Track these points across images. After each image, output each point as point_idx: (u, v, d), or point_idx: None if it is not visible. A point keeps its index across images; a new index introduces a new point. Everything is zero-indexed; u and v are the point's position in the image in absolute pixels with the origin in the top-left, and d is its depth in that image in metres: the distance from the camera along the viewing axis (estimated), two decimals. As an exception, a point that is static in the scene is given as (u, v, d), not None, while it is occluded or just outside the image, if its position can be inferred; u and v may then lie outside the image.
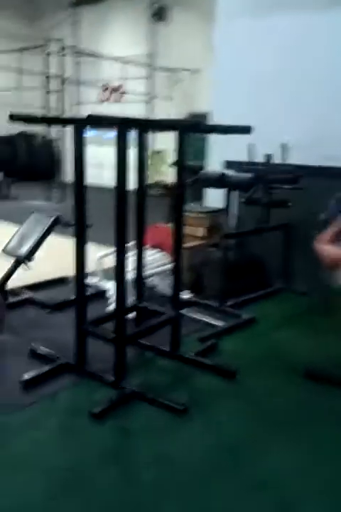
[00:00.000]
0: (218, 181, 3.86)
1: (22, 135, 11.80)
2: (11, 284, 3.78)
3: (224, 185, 3.84)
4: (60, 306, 3.85)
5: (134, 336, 2.99)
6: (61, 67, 9.64)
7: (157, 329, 3.07)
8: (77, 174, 2.82)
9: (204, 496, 2.04)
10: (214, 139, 5.20)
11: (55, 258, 4.69)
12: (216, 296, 4.06)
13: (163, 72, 11.41)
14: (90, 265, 3.16)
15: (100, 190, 7.00)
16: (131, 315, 3.25)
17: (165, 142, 9.64)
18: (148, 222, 3.36)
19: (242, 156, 4.46)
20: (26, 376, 2.79)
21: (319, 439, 2.47)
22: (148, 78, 12.06)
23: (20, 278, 3.88)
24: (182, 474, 2.16)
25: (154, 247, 4.91)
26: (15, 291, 4.08)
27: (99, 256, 4.27)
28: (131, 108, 11.81)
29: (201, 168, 5.17)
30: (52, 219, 3.77)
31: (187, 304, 4.05)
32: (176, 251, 3.18)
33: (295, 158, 4.37)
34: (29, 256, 3.57)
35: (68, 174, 13.32)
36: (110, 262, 3.90)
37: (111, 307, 3.58)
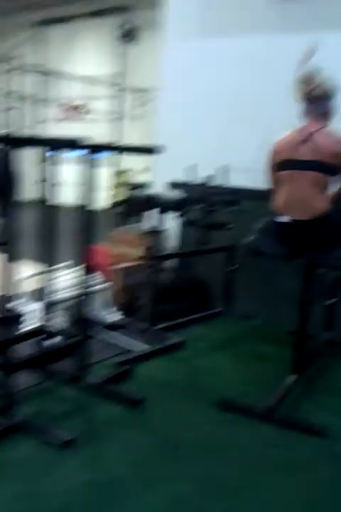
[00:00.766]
0: (147, 203, 3.69)
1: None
2: None
3: (152, 206, 3.67)
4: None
5: (26, 363, 2.76)
6: (20, 85, 9.56)
7: (57, 354, 2.86)
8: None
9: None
10: (157, 159, 5.08)
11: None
12: (147, 319, 3.87)
13: (132, 93, 11.37)
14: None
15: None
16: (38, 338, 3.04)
17: (134, 162, 9.50)
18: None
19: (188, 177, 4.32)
20: None
21: (211, 471, 2.25)
22: (116, 98, 12.02)
23: None
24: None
25: (94, 267, 4.73)
26: None
27: (24, 276, 4.07)
28: (96, 127, 11.79)
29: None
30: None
31: (114, 326, 3.86)
32: (86, 272, 2.97)
33: (241, 181, 4.22)
34: None
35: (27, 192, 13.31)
36: (37, 282, 3.74)
37: (23, 330, 3.37)
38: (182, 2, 4.80)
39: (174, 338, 3.67)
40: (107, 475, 2.19)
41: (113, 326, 3.88)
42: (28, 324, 3.54)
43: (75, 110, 11.44)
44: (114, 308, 4.21)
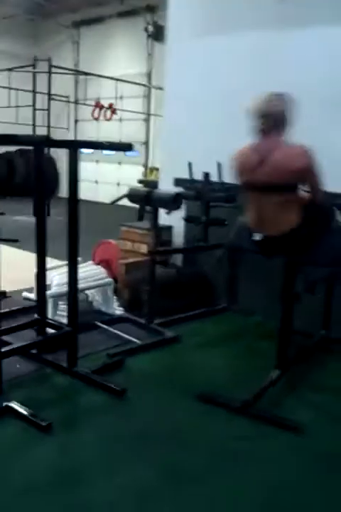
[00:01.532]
0: (144, 198, 3.79)
1: (20, 152, 12.00)
2: None
3: (149, 202, 3.77)
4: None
5: (16, 350, 2.93)
6: (48, 85, 9.84)
7: (47, 343, 3.01)
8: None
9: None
10: (164, 157, 5.17)
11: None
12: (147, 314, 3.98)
13: (161, 91, 11.48)
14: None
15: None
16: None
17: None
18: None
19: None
20: None
21: (179, 460, 2.34)
22: (145, 97, 12.15)
23: None
24: (8, 493, 2.09)
25: (102, 262, 4.89)
26: None
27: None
28: (127, 126, 11.97)
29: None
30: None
31: (115, 320, 3.99)
32: (71, 266, 3.10)
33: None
34: None
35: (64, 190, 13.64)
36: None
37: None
38: (183, 2, 4.87)
39: (169, 333, 3.76)
40: (76, 460, 2.32)
41: (114, 320, 4.02)
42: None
43: (108, 109, 11.62)
44: (118, 303, 4.35)
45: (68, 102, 12.57)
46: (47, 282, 3.49)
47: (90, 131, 12.22)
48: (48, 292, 3.58)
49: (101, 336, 3.74)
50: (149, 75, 12.03)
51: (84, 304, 4.17)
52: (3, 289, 3.04)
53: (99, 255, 5.04)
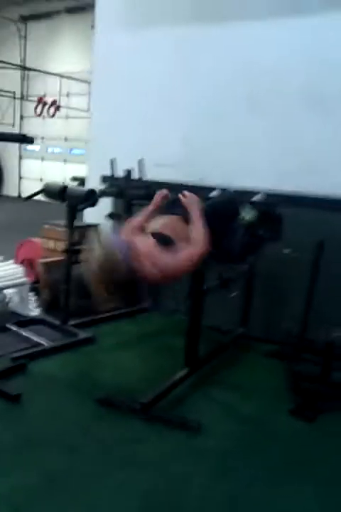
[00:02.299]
0: (59, 194, 3.63)
1: None
2: None
3: (63, 198, 3.62)
4: None
5: None
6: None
7: None
8: None
9: None
10: (89, 152, 5.04)
11: None
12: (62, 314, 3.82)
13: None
14: None
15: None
16: None
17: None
18: None
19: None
20: None
21: (64, 466, 2.20)
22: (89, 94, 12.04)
23: None
24: None
25: (25, 261, 4.70)
26: None
27: None
28: (73, 123, 11.76)
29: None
30: None
31: (29, 321, 3.81)
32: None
33: (163, 175, 4.15)
34: None
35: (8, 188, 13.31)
36: None
37: None
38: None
39: (83, 334, 3.62)
40: None
41: (28, 322, 3.84)
42: None
43: (52, 106, 11.39)
44: (36, 303, 4.17)
45: (14, 97, 12.25)
46: None
47: (36, 127, 11.94)
48: None
49: (11, 339, 3.56)
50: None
51: (2, 304, 3.99)
52: None
53: (23, 254, 4.86)
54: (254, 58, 4.02)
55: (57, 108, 11.31)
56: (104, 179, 4.52)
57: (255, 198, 3.27)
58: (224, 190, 3.31)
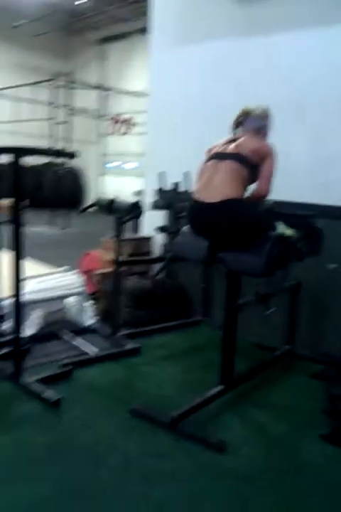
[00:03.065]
0: (108, 207, 3.80)
1: (48, 165, 12.30)
2: None
3: (112, 211, 3.77)
4: None
5: None
6: (69, 98, 10.12)
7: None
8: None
9: None
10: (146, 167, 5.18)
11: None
12: (122, 324, 3.97)
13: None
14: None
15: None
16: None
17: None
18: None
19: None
20: None
21: (84, 476, 2.30)
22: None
23: None
24: None
25: (87, 272, 4.92)
26: None
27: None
28: (141, 139, 12.06)
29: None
30: None
31: (82, 330, 4.00)
32: (15, 282, 3.06)
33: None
34: None
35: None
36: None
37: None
38: (162, 13, 4.86)
39: (130, 345, 3.73)
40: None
41: (82, 330, 4.03)
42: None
43: (124, 123, 11.86)
44: (93, 313, 4.36)
45: (98, 116, 12.88)
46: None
47: (111, 144, 12.48)
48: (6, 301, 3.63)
49: (63, 347, 3.76)
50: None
51: (61, 313, 4.23)
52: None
53: (85, 265, 5.09)
54: (298, 69, 3.96)
55: (131, 125, 11.77)
56: (157, 192, 4.64)
57: (294, 211, 3.20)
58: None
